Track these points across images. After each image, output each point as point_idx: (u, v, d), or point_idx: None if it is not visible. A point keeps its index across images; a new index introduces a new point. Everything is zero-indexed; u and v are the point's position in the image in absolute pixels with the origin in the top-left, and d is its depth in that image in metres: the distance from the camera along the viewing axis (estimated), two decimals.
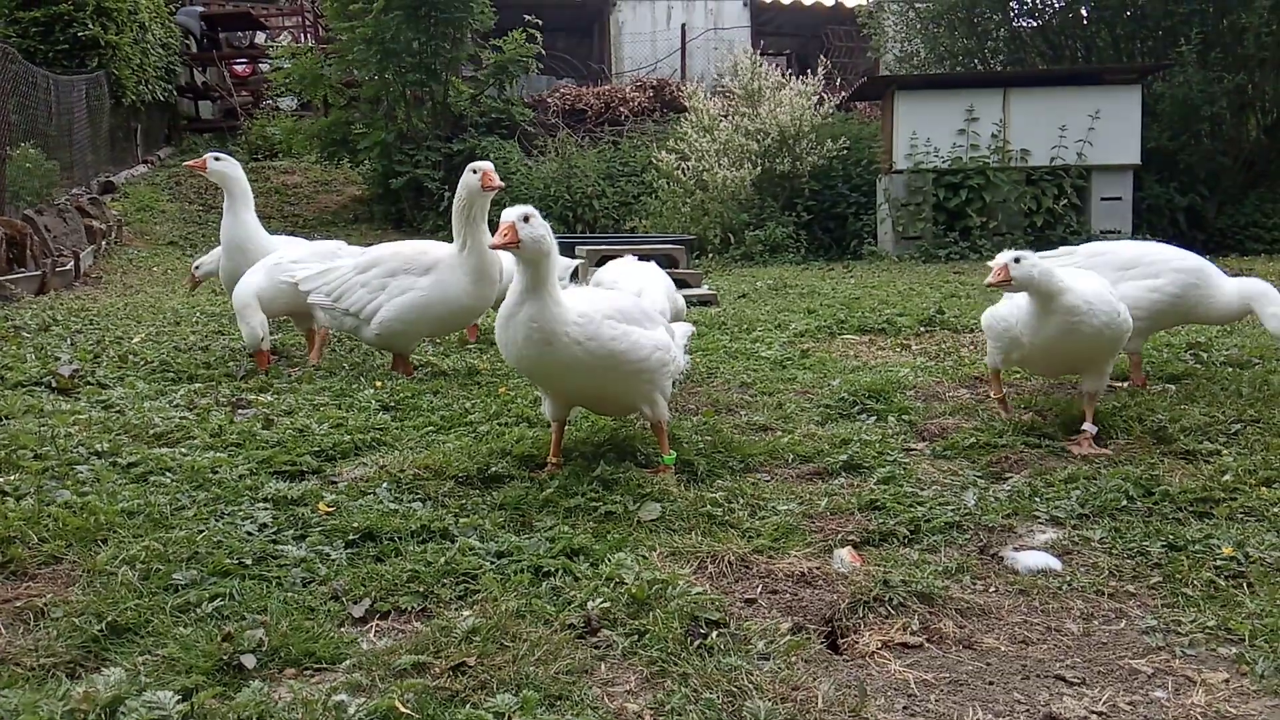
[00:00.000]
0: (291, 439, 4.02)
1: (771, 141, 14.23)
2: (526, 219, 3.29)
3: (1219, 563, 2.82)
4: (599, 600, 2.56)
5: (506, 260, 5.07)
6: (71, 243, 10.89)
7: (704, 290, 9.19)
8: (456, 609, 2.57)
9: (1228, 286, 4.74)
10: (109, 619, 2.42)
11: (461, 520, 3.16)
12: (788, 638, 2.44)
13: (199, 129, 20.60)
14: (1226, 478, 3.47)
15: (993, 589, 2.78)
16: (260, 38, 22.74)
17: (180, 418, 4.35)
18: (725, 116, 14.85)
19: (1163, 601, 2.67)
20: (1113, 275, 4.83)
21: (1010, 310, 4.13)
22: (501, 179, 14.97)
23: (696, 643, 2.38)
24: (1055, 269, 3.87)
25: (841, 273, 11.65)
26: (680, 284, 8.65)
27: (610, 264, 5.20)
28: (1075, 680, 2.29)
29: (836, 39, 21.90)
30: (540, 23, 16.77)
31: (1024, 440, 4.07)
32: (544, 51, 17.17)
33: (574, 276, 6.75)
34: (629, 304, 3.66)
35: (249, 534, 3.00)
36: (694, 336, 4.66)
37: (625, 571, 2.70)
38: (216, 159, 6.07)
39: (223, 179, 5.99)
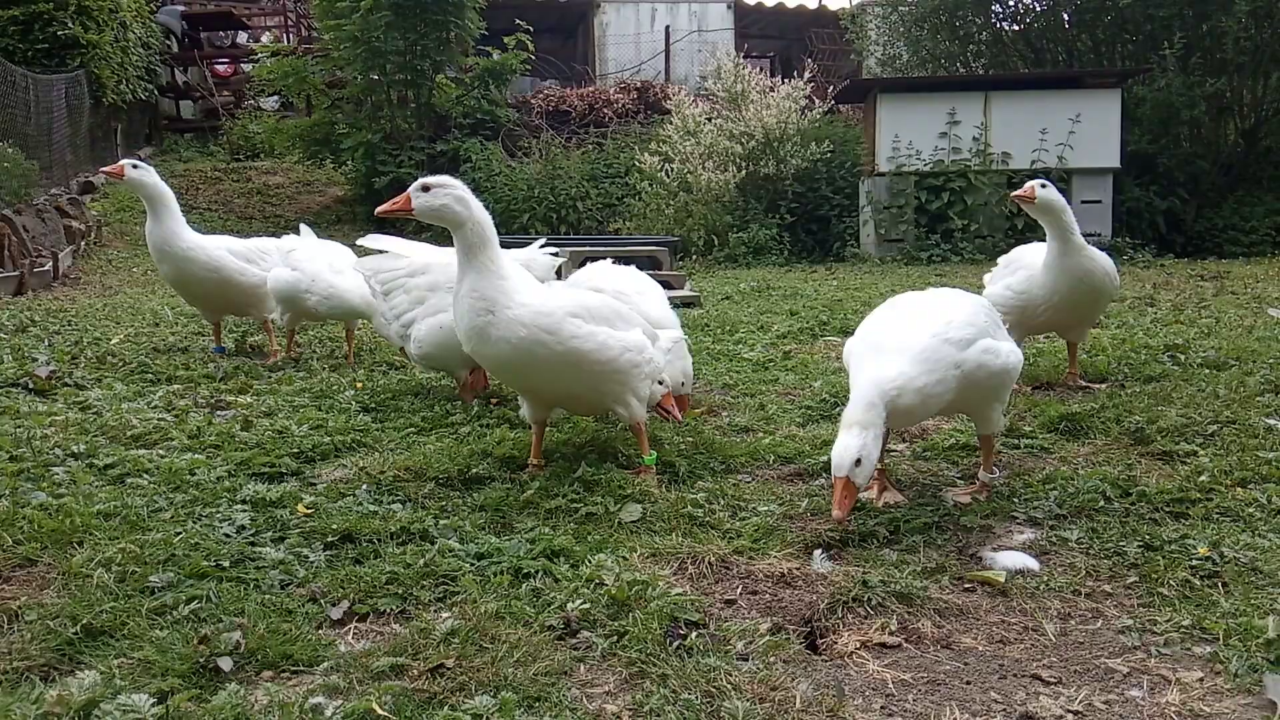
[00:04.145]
0: (271, 440, 4.00)
1: (755, 144, 14.27)
2: (426, 188, 3.36)
3: (1194, 563, 2.84)
4: (579, 602, 2.56)
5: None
6: (50, 243, 10.80)
7: (687, 292, 9.20)
8: (435, 611, 2.57)
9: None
10: (84, 621, 2.40)
11: (441, 522, 3.15)
12: (767, 638, 2.44)
13: (180, 129, 20.50)
14: (1203, 478, 3.50)
15: (971, 589, 2.79)
16: (242, 37, 22.64)
17: (158, 419, 4.33)
18: (709, 120, 14.88)
19: (1139, 601, 2.69)
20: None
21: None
22: (485, 180, 14.94)
23: (676, 644, 2.38)
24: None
25: (824, 275, 11.68)
26: (664, 286, 8.67)
27: (588, 266, 5.13)
28: (1052, 680, 2.30)
29: (820, 42, 21.99)
30: (531, 29, 16.76)
31: (1003, 440, 4.09)
32: (530, 54, 17.16)
33: (558, 276, 6.74)
34: (599, 303, 3.62)
35: (227, 536, 2.98)
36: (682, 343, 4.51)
37: (605, 573, 2.69)
38: (135, 166, 5.82)
39: (140, 188, 5.82)
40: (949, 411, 3.75)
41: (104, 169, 5.89)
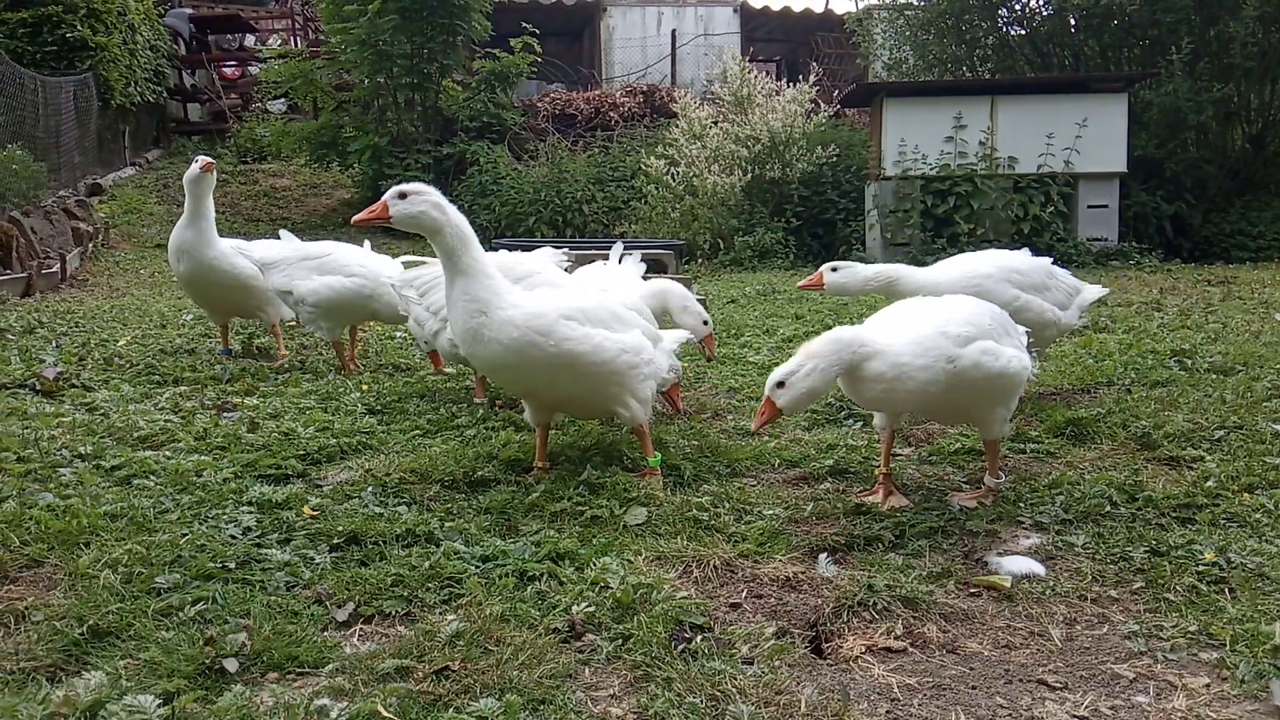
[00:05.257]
0: (277, 442, 4.00)
1: (761, 148, 14.26)
2: (403, 195, 3.36)
3: (1201, 568, 2.83)
4: (584, 605, 2.56)
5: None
6: (58, 245, 10.83)
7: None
8: (441, 613, 2.57)
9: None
10: (90, 622, 2.40)
11: (447, 524, 3.15)
12: (772, 642, 2.44)
13: (187, 131, 20.52)
14: (1209, 484, 3.49)
15: (976, 594, 2.79)
16: (250, 40, 22.70)
17: (165, 421, 4.34)
18: (715, 123, 14.87)
19: (1145, 607, 2.69)
20: None
21: None
22: (492, 183, 14.89)
23: (680, 647, 2.38)
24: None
25: None
26: None
27: (584, 268, 5.11)
28: (1058, 685, 2.30)
29: (826, 45, 21.97)
30: (537, 31, 16.79)
31: (1009, 445, 4.09)
32: (537, 57, 17.19)
33: None
34: (594, 305, 3.61)
35: (233, 537, 2.99)
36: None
37: (610, 576, 2.70)
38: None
39: (208, 187, 5.88)
40: (951, 417, 3.75)
41: (201, 165, 5.85)
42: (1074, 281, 4.95)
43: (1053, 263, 4.97)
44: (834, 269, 4.35)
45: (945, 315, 3.25)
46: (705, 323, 4.65)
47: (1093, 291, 5.00)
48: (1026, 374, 3.39)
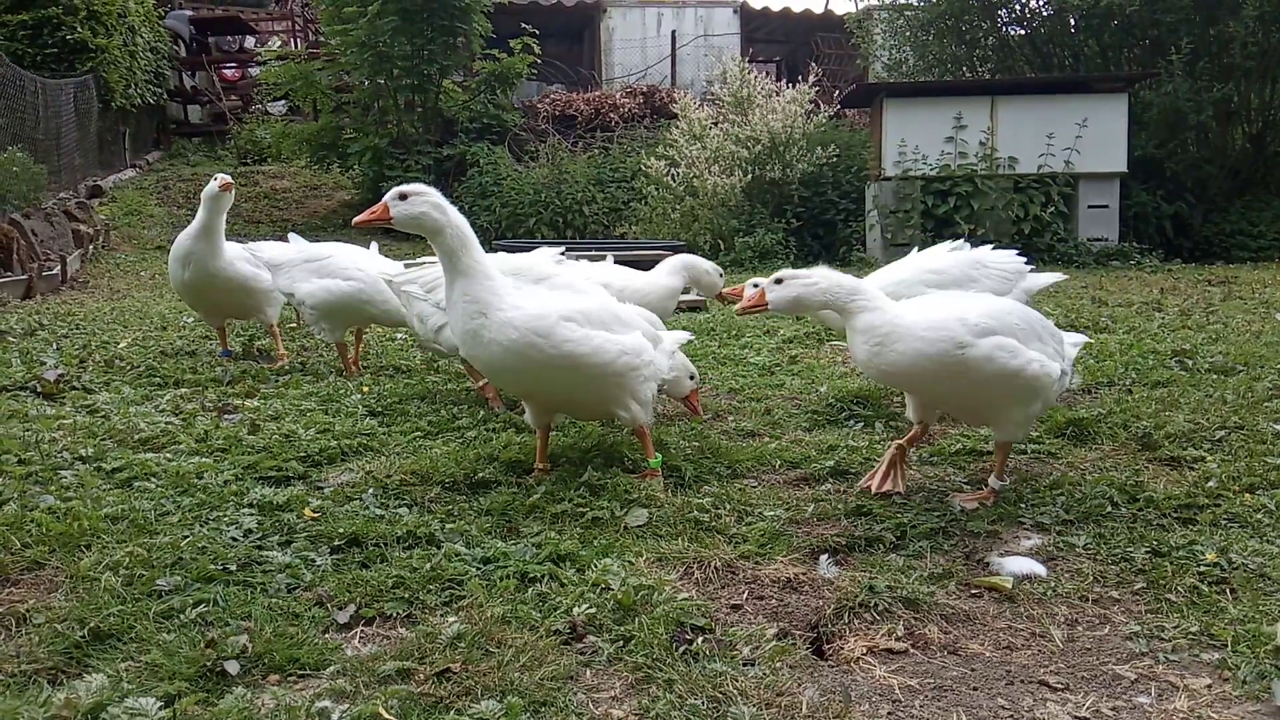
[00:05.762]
0: (278, 444, 4.00)
1: (761, 149, 14.26)
2: (403, 196, 3.38)
3: (1202, 569, 2.83)
4: (585, 606, 2.56)
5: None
6: (58, 247, 10.84)
7: (694, 296, 9.19)
8: (442, 615, 2.57)
9: None
10: (92, 625, 2.40)
11: (448, 526, 3.15)
12: (773, 643, 2.44)
13: (188, 133, 20.54)
14: (1210, 484, 3.49)
15: (978, 595, 2.79)
16: (250, 42, 22.72)
17: (166, 423, 4.34)
18: (715, 124, 14.88)
19: (1146, 607, 2.68)
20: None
21: None
22: (492, 184, 14.80)
23: (682, 649, 2.38)
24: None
25: None
26: None
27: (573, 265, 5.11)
28: (1059, 686, 2.30)
29: (826, 46, 21.98)
30: (537, 32, 16.80)
31: None
32: (537, 58, 17.20)
33: None
34: (595, 307, 3.61)
35: (234, 540, 2.99)
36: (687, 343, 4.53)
37: (611, 577, 2.70)
38: None
39: (225, 205, 5.89)
40: (964, 411, 3.70)
41: (221, 184, 5.84)
42: (1014, 267, 4.86)
43: (993, 249, 4.93)
44: (774, 285, 4.27)
45: (965, 305, 3.28)
46: (720, 276, 5.34)
47: (1042, 278, 4.91)
48: (1053, 381, 3.33)
